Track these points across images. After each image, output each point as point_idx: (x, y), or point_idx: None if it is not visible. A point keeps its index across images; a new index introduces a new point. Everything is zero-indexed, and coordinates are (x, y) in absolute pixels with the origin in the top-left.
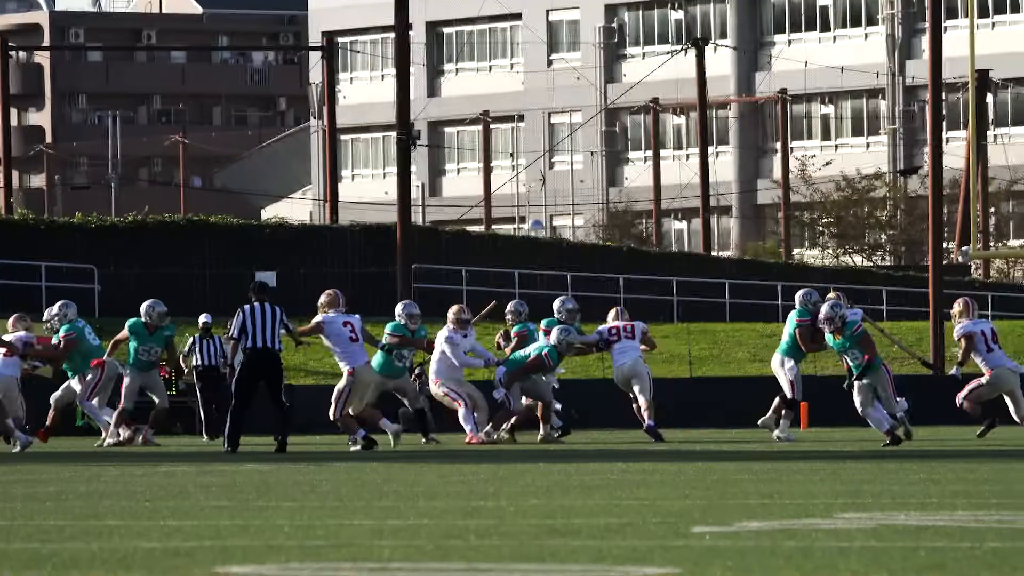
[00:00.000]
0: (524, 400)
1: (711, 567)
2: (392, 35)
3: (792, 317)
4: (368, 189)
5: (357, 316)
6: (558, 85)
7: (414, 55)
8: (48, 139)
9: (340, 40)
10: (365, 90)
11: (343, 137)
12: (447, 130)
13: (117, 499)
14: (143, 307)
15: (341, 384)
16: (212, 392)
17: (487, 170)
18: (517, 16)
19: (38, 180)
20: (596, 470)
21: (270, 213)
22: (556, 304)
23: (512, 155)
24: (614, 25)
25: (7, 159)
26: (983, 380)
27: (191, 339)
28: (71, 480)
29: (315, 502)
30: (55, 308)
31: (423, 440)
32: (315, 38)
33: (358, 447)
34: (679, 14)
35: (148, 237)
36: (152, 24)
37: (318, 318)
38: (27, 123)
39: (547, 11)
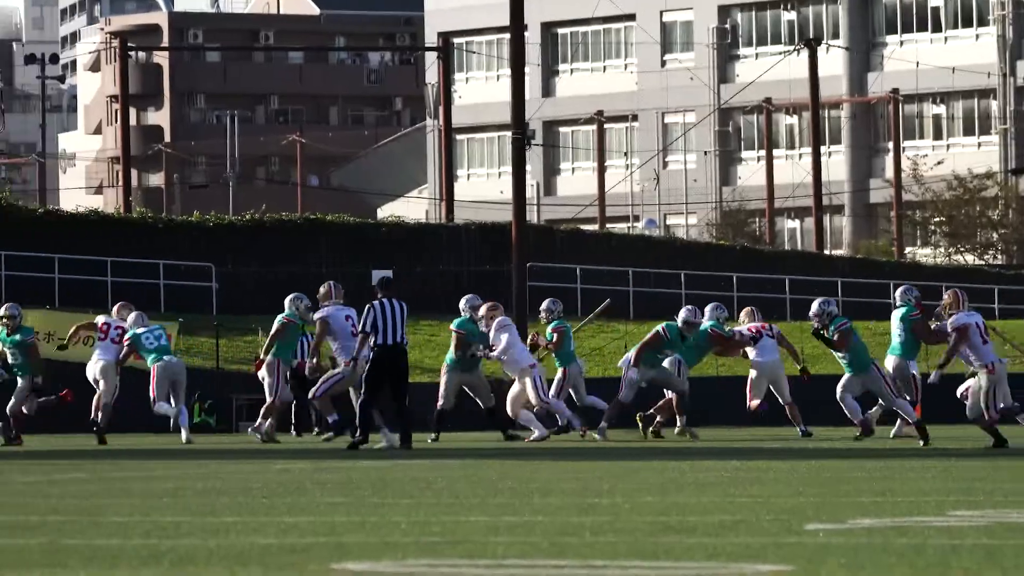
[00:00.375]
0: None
1: (824, 564)
2: (507, 36)
3: (899, 316)
4: (483, 188)
5: (353, 310)
6: (672, 85)
7: (529, 55)
8: (167, 138)
9: (456, 41)
10: (480, 90)
11: (458, 137)
12: (562, 130)
13: (234, 495)
14: (288, 301)
15: (339, 370)
16: (301, 390)
17: (601, 169)
18: (631, 17)
19: (157, 179)
20: (710, 467)
21: (386, 212)
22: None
23: (626, 154)
24: (727, 26)
25: (126, 158)
26: (983, 381)
27: None
28: (188, 477)
29: (431, 499)
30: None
31: (503, 438)
32: (431, 39)
33: (329, 434)
34: (792, 15)
35: (265, 236)
36: (270, 25)
37: (320, 314)
38: (146, 123)
39: (661, 12)
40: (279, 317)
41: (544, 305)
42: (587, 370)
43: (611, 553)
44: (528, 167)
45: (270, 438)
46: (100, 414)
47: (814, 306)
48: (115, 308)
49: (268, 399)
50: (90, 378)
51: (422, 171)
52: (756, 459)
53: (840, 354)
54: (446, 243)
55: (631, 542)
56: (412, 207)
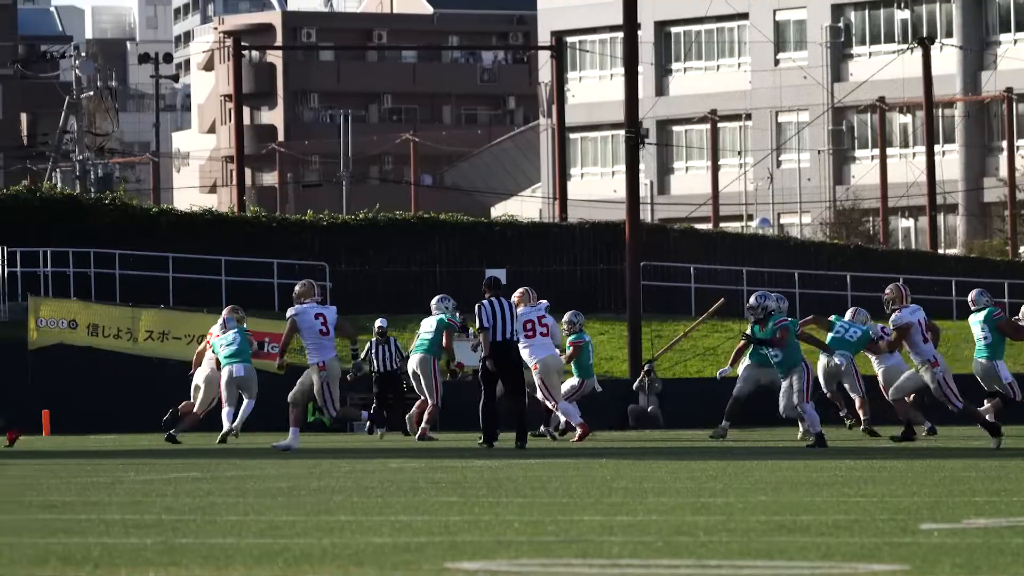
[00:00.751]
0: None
1: (939, 564)
2: (621, 34)
3: (982, 318)
4: (596, 187)
5: (334, 308)
6: (785, 84)
7: (643, 54)
8: (280, 137)
9: (569, 39)
10: (594, 89)
11: (572, 135)
12: (675, 128)
13: (348, 495)
14: (436, 303)
15: (317, 384)
16: (389, 393)
17: (715, 168)
18: (744, 16)
19: (270, 178)
20: (824, 467)
21: (499, 211)
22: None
23: (740, 153)
24: (840, 24)
25: (240, 157)
26: (928, 378)
27: (368, 343)
28: (303, 476)
29: (545, 498)
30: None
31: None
32: (544, 38)
33: (367, 426)
34: (905, 13)
35: (379, 235)
36: (383, 24)
37: (291, 312)
38: (260, 122)
39: (774, 11)
40: (438, 321)
41: (566, 317)
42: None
43: (724, 552)
44: (642, 166)
45: (427, 438)
46: (182, 417)
47: (751, 299)
48: (225, 311)
49: (430, 401)
50: (196, 382)
51: (535, 170)
52: (870, 458)
53: (773, 352)
54: (559, 242)
55: (744, 541)
56: (525, 206)
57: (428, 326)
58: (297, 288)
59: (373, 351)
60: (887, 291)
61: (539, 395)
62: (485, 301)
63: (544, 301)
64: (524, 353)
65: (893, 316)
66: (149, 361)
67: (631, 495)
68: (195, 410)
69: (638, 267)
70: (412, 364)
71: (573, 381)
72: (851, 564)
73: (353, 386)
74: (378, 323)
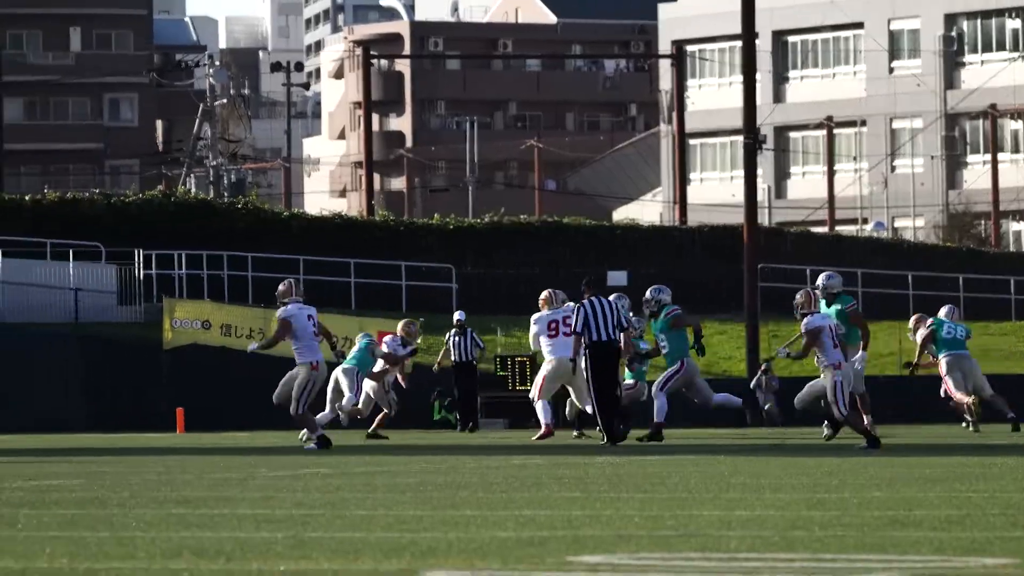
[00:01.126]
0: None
1: None
2: (739, 43)
3: (833, 312)
4: (716, 191)
5: (314, 308)
6: (899, 91)
7: (761, 62)
8: (408, 144)
9: (689, 48)
10: (713, 96)
11: (691, 141)
12: (792, 134)
13: (474, 490)
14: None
15: (303, 379)
16: (468, 385)
17: (831, 173)
18: (859, 25)
19: (398, 183)
20: (936, 463)
21: (621, 215)
22: None
23: (855, 159)
24: (953, 33)
25: (369, 163)
26: (827, 379)
27: (448, 334)
28: (430, 471)
29: (664, 493)
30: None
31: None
32: (665, 46)
33: (313, 445)
34: (1016, 23)
35: (504, 238)
36: (508, 33)
37: (282, 313)
38: (388, 128)
39: (888, 20)
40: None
41: (647, 294)
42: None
43: (840, 547)
44: (759, 171)
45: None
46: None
47: (647, 292)
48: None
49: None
50: (366, 389)
51: (656, 175)
52: (981, 455)
53: (664, 344)
54: (680, 245)
55: (859, 536)
56: (646, 210)
57: None
58: (281, 288)
59: (452, 342)
60: (798, 296)
61: (532, 392)
62: (585, 301)
63: (571, 303)
64: (545, 350)
65: (804, 320)
66: (280, 360)
67: (748, 491)
68: (344, 404)
69: (756, 269)
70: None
71: (628, 382)
72: (963, 558)
73: (437, 379)
74: (456, 316)
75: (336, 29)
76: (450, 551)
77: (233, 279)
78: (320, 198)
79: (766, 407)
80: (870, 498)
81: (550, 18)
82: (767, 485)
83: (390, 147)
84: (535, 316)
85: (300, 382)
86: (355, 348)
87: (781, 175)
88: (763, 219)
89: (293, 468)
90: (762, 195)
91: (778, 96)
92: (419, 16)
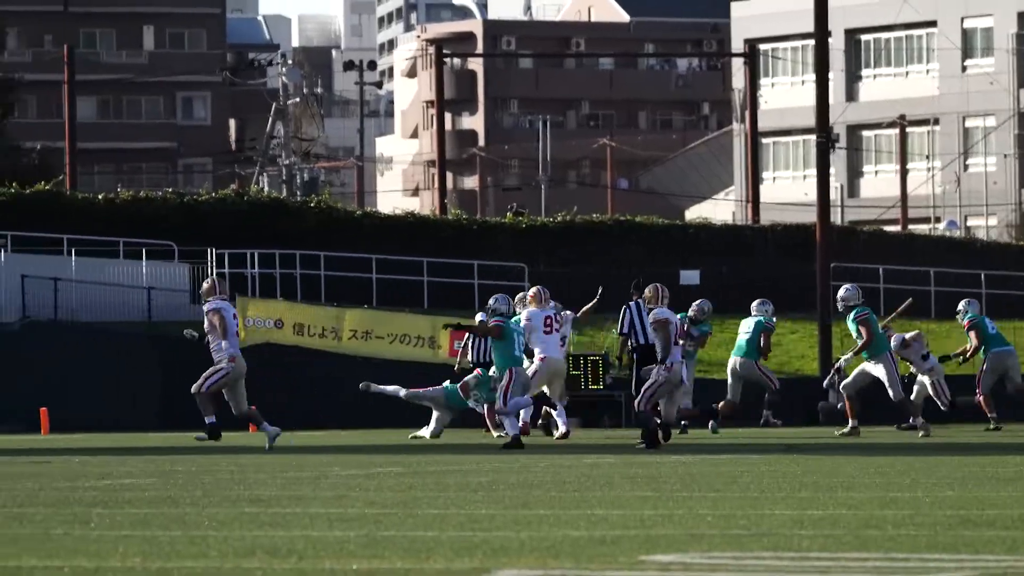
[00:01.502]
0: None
1: None
2: (812, 42)
3: (752, 323)
4: (788, 190)
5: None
6: (972, 90)
7: (833, 61)
8: (481, 142)
9: (762, 47)
10: (786, 95)
11: (764, 140)
12: (865, 133)
13: (547, 489)
14: (756, 305)
15: (223, 367)
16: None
17: (903, 172)
18: (932, 24)
19: (471, 182)
20: (1010, 462)
21: (694, 214)
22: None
23: (927, 157)
24: None
25: (442, 162)
26: (658, 375)
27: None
28: (502, 470)
29: (736, 492)
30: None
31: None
32: (738, 45)
33: (204, 435)
34: None
35: (576, 236)
36: (581, 32)
37: (212, 306)
38: (461, 127)
39: (962, 18)
40: (756, 323)
41: (695, 304)
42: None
43: (912, 546)
44: (832, 170)
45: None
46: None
47: (491, 301)
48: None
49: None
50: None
51: (728, 173)
52: None
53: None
54: (752, 244)
55: (931, 535)
56: (719, 208)
57: (746, 327)
58: (205, 285)
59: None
60: (646, 291)
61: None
62: (631, 304)
63: (553, 302)
64: (536, 349)
65: (653, 312)
66: (353, 359)
67: (821, 490)
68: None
69: (828, 268)
70: (732, 364)
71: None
72: None
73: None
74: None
75: (409, 28)
76: (522, 550)
77: (306, 278)
78: (393, 197)
79: (838, 406)
80: (943, 497)
81: (623, 17)
82: (840, 484)
83: (463, 146)
84: (526, 312)
85: (217, 367)
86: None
87: (854, 174)
88: (835, 218)
89: (366, 467)
90: (835, 194)
91: (851, 95)
92: (492, 15)
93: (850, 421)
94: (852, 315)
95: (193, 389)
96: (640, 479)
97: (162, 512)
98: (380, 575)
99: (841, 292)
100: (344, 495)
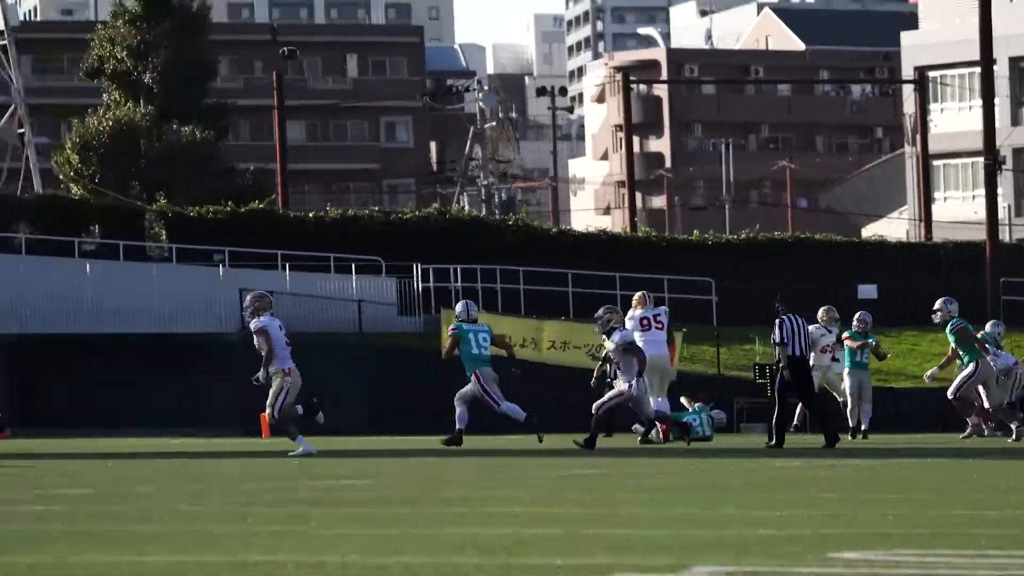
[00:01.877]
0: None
1: None
2: (979, 70)
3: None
4: (959, 209)
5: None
6: None
7: (999, 87)
8: (667, 164)
9: (931, 74)
10: (954, 119)
11: (935, 162)
12: None
13: (738, 492)
14: (860, 317)
15: (278, 385)
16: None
17: None
18: None
19: (659, 201)
20: None
21: (870, 232)
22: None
23: None
24: None
25: (631, 182)
26: (628, 392)
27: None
28: (697, 473)
29: (917, 494)
30: None
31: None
32: (908, 72)
33: (300, 451)
34: None
35: (759, 253)
36: (760, 60)
37: (258, 323)
38: (648, 150)
39: None
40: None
41: (858, 315)
42: None
43: None
44: (1000, 190)
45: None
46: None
47: (599, 311)
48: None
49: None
50: None
51: (902, 194)
52: None
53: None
54: (925, 260)
55: None
56: (893, 226)
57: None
58: (254, 302)
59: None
60: (635, 297)
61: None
62: (785, 317)
63: (663, 307)
64: (641, 344)
65: (621, 334)
66: (553, 368)
67: (995, 492)
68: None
69: (998, 283)
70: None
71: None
72: None
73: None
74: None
75: (597, 56)
76: (716, 549)
77: (505, 291)
78: (586, 215)
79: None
80: None
81: (799, 45)
82: (1012, 487)
83: (650, 167)
84: (629, 314)
85: (274, 391)
86: None
87: (1020, 193)
88: (1004, 236)
89: (567, 468)
90: (1003, 213)
91: (1016, 119)
92: (675, 44)
93: (1013, 426)
94: (948, 327)
95: (270, 420)
96: (825, 481)
97: (376, 512)
98: (583, 571)
99: (937, 304)
100: (547, 495)
